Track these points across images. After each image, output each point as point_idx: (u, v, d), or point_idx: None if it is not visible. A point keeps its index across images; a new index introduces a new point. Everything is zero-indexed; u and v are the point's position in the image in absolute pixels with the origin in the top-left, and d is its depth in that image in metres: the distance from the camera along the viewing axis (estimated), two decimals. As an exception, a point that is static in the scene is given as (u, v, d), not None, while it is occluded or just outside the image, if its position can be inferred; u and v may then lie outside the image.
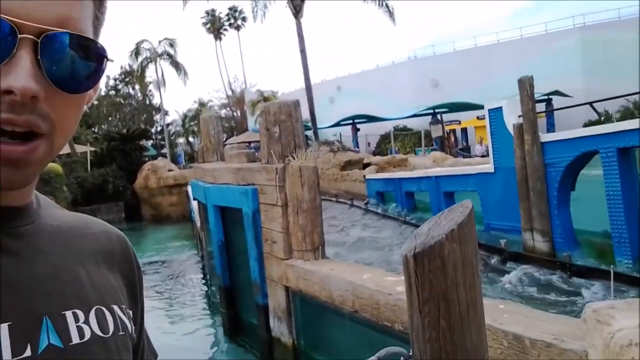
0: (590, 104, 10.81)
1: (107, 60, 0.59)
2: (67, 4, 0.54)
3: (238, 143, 20.08)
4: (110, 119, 43.65)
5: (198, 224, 13.15)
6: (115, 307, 0.65)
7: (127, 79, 45.65)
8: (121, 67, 44.93)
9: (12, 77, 0.49)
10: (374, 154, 27.70)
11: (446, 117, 29.92)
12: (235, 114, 52.09)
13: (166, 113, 44.16)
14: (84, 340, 0.58)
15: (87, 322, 0.60)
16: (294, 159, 6.12)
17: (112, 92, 46.81)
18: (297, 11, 23.80)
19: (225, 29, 49.80)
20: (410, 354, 1.08)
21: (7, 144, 0.50)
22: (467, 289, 0.92)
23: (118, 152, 26.59)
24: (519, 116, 9.58)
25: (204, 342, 8.72)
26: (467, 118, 30.51)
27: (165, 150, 39.84)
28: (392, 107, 33.73)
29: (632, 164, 8.68)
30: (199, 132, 14.54)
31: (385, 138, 32.68)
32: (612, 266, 6.64)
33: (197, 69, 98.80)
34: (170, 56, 38.50)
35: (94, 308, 0.62)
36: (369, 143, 34.21)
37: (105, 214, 23.84)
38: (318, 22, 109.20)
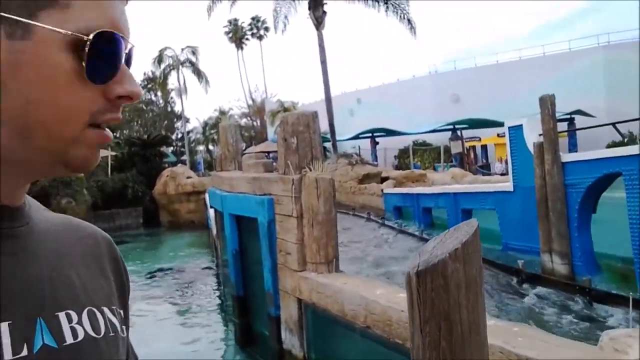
0: (614, 124, 10.65)
1: None
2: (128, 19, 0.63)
3: (256, 152, 20.19)
4: (132, 124, 44.30)
5: (214, 231, 13.21)
6: (106, 309, 0.67)
7: (149, 85, 46.35)
8: (144, 74, 45.69)
9: (129, 84, 0.59)
10: (397, 168, 27.53)
11: (466, 133, 29.72)
12: (255, 123, 52.46)
13: (187, 120, 44.65)
14: (77, 341, 0.59)
15: (80, 322, 0.61)
16: (310, 170, 6.12)
17: (135, 98, 47.50)
18: (318, 22, 23.97)
19: (247, 39, 50.34)
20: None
21: (105, 131, 0.60)
22: (470, 309, 0.91)
23: (138, 158, 26.88)
24: (540, 135, 9.47)
25: (215, 351, 8.72)
26: (487, 135, 30.26)
27: (185, 157, 40.24)
28: (411, 121, 33.64)
29: (655, 187, 8.51)
30: (219, 140, 14.66)
31: (404, 152, 32.56)
32: (630, 293, 6.47)
33: (219, 77, 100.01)
34: (192, 64, 38.99)
35: (86, 309, 0.63)
36: (395, 156, 34.00)
37: (124, 219, 24.11)
38: (339, 34, 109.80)
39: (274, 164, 9.02)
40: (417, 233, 12.53)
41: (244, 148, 41.88)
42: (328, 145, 24.98)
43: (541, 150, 9.36)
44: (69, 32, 0.54)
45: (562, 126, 25.09)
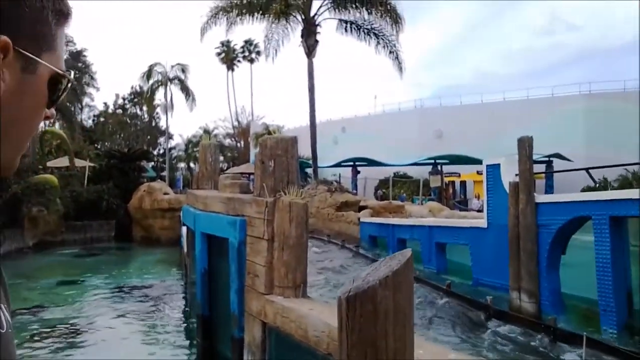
0: (587, 169, 10.88)
1: None
2: None
3: (235, 173, 20.10)
4: (114, 137, 43.92)
5: (185, 249, 13.03)
6: (3, 306, 0.70)
7: (135, 99, 46.17)
8: (131, 87, 45.62)
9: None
10: (381, 198, 27.49)
11: (446, 168, 30.11)
12: (239, 144, 52.48)
13: (170, 137, 44.48)
14: None
15: None
16: (285, 194, 6.11)
17: (119, 111, 47.29)
18: (310, 51, 24.29)
19: (239, 61, 50.71)
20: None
21: None
22: (397, 338, 0.90)
23: (116, 170, 26.54)
24: (516, 175, 9.63)
25: (175, 371, 8.51)
26: (467, 171, 30.71)
27: (164, 173, 39.91)
28: (394, 153, 34.01)
29: (623, 233, 8.67)
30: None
31: (384, 183, 32.78)
32: (585, 332, 6.55)
33: (207, 96, 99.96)
34: (181, 81, 39.06)
35: None
36: (375, 187, 33.95)
37: (95, 231, 23.64)
38: (329, 62, 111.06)
39: (251, 185, 8.99)
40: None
41: (225, 168, 41.77)
42: (309, 170, 25.00)
43: (516, 189, 9.51)
44: (61, 71, 0.68)
45: (541, 168, 25.66)
